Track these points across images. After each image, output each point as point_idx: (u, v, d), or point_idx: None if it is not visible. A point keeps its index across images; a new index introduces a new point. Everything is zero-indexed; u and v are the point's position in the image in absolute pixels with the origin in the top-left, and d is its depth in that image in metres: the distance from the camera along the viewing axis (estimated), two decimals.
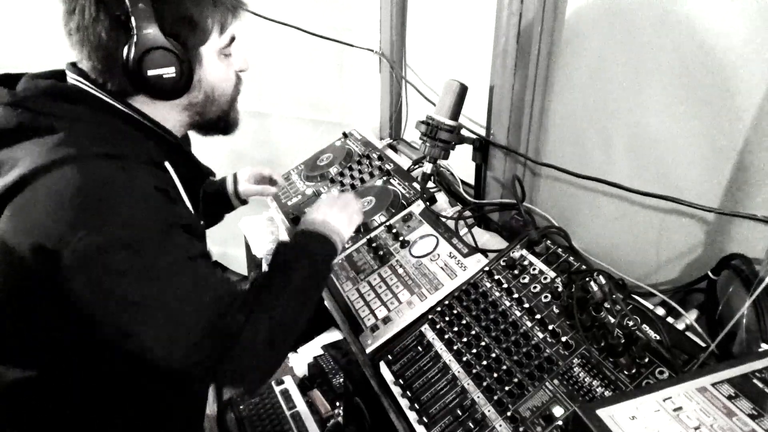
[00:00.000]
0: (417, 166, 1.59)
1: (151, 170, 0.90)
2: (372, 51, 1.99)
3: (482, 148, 1.41)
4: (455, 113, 1.36)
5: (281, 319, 0.90)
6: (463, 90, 1.35)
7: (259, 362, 0.89)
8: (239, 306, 0.87)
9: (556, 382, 0.90)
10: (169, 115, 0.97)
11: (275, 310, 0.90)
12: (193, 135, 1.10)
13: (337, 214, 1.11)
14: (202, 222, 1.09)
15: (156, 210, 0.84)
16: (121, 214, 0.80)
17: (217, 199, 1.42)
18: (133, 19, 0.83)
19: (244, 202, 1.46)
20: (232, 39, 0.97)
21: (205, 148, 1.18)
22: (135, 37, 0.84)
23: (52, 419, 0.95)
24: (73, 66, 0.92)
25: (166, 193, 0.88)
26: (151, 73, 0.86)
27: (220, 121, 1.03)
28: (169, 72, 0.88)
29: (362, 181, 1.55)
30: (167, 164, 0.95)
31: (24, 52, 2.27)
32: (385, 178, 1.50)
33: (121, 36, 0.85)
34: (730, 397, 0.64)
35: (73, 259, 0.77)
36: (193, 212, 1.01)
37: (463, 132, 1.41)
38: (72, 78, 0.91)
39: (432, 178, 1.45)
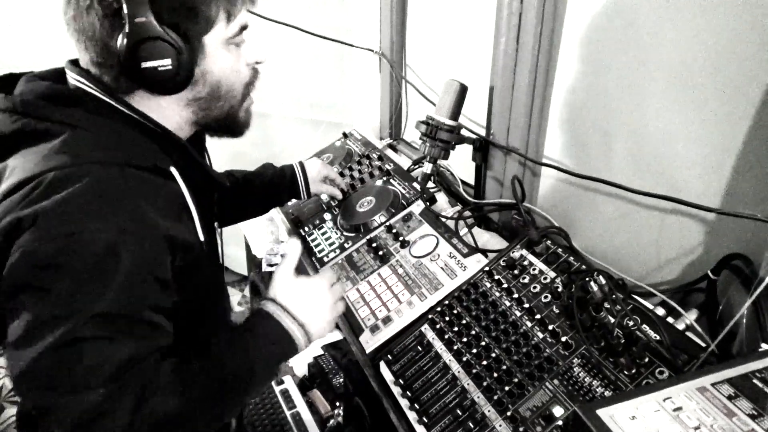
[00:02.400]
0: (417, 166, 1.59)
1: (152, 181, 0.85)
2: (372, 51, 1.99)
3: (482, 148, 1.41)
4: (455, 113, 1.36)
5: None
6: (463, 90, 1.35)
7: None
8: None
9: (556, 382, 0.90)
10: (171, 111, 0.90)
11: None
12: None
13: (312, 303, 0.94)
14: (216, 224, 1.03)
15: (136, 236, 0.76)
16: (100, 225, 0.73)
17: (280, 190, 1.38)
18: (125, 6, 0.77)
19: (310, 197, 1.45)
20: (243, 27, 0.90)
21: None
22: (127, 26, 0.77)
23: None
24: (74, 64, 0.88)
25: (164, 209, 0.82)
26: (145, 65, 0.80)
27: (227, 119, 0.96)
28: (165, 65, 0.81)
29: (362, 181, 1.55)
30: (174, 170, 0.89)
31: (27, 51, 2.28)
32: (385, 178, 1.50)
33: (115, 25, 0.79)
34: (730, 397, 0.64)
35: (26, 247, 0.72)
36: (199, 225, 0.93)
37: (463, 132, 1.41)
38: (72, 77, 0.86)
39: (432, 178, 1.45)
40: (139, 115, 0.87)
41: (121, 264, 0.74)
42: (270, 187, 1.37)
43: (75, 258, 0.72)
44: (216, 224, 1.07)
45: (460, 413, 0.91)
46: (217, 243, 1.07)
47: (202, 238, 0.94)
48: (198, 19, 0.84)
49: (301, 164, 1.42)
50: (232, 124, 0.98)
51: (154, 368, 0.76)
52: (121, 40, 0.79)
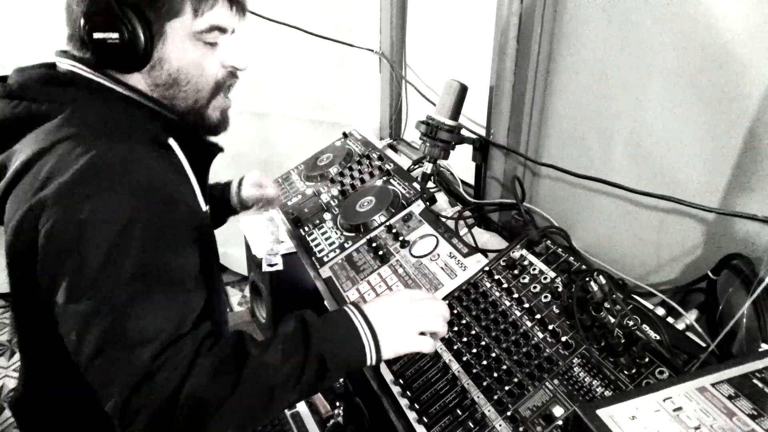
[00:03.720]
0: (417, 166, 1.59)
1: (154, 151, 0.89)
2: (372, 51, 1.99)
3: (482, 148, 1.41)
4: (455, 113, 1.36)
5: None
6: (463, 90, 1.35)
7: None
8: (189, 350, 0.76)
9: (556, 382, 0.90)
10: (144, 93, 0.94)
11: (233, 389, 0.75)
12: None
13: (402, 319, 0.86)
14: (207, 208, 1.05)
15: (150, 198, 0.81)
16: (115, 192, 0.78)
17: (220, 203, 1.40)
18: None
19: (245, 207, 1.44)
20: (217, 28, 0.92)
21: None
22: (87, 1, 0.85)
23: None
24: (64, 52, 0.93)
25: (170, 179, 0.87)
26: (96, 36, 0.85)
27: (191, 114, 0.97)
28: (113, 37, 0.85)
29: (362, 181, 1.55)
30: (172, 142, 0.93)
31: (12, 53, 2.28)
32: (385, 178, 1.50)
33: (85, 2, 0.85)
34: (730, 397, 0.64)
35: (50, 225, 0.77)
36: (199, 193, 0.98)
37: (463, 132, 1.41)
38: (64, 62, 0.91)
39: (432, 178, 1.45)
40: (134, 93, 0.92)
41: (142, 224, 0.78)
42: (214, 189, 1.40)
43: (98, 229, 0.76)
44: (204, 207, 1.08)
45: (460, 413, 0.91)
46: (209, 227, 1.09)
47: (204, 208, 0.99)
48: (159, 4, 0.87)
49: (241, 177, 1.45)
50: (200, 120, 0.99)
51: (209, 343, 0.78)
52: (81, 13, 0.86)
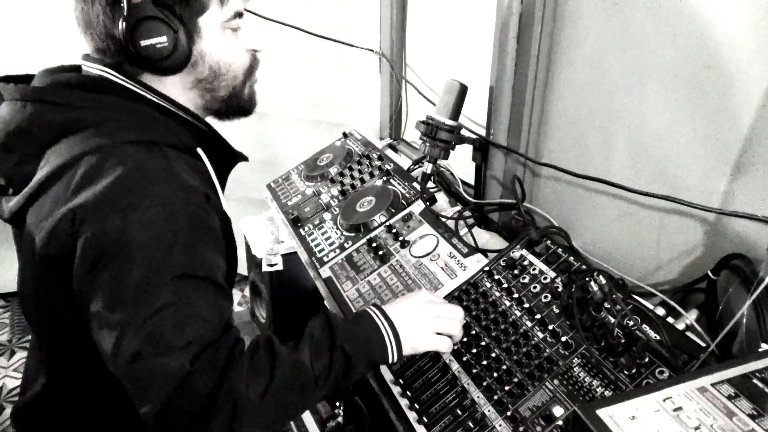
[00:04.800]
0: (417, 166, 1.59)
1: (185, 158, 0.90)
2: (372, 51, 1.99)
3: (482, 148, 1.41)
4: (455, 113, 1.36)
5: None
6: (463, 90, 1.35)
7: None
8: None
9: (556, 382, 0.90)
10: (177, 94, 0.96)
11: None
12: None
13: (420, 319, 0.92)
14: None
15: (187, 203, 0.82)
16: (152, 199, 0.79)
17: None
18: None
19: None
20: (238, 14, 0.96)
21: None
22: (125, 9, 0.84)
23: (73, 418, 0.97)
24: (88, 57, 0.93)
25: (200, 183, 0.88)
26: (144, 43, 0.86)
27: (232, 99, 1.01)
28: (162, 42, 0.87)
29: (362, 181, 1.55)
30: (200, 151, 0.95)
31: (20, 52, 2.28)
32: (385, 178, 1.50)
33: (116, 12, 0.85)
34: (730, 397, 0.64)
35: (90, 234, 0.77)
36: (223, 200, 1.00)
37: (463, 132, 1.41)
38: (94, 68, 0.91)
39: (432, 178, 1.45)
40: (161, 98, 0.93)
41: (179, 229, 0.79)
42: None
43: (138, 241, 0.77)
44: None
45: (460, 413, 0.91)
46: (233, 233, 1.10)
47: (229, 214, 1.01)
48: (190, 2, 0.89)
49: None
50: (239, 103, 1.03)
51: (241, 346, 0.80)
52: (121, 23, 0.86)
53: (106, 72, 0.90)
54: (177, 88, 0.96)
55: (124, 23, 0.85)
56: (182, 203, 0.81)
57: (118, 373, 0.76)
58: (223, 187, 1.03)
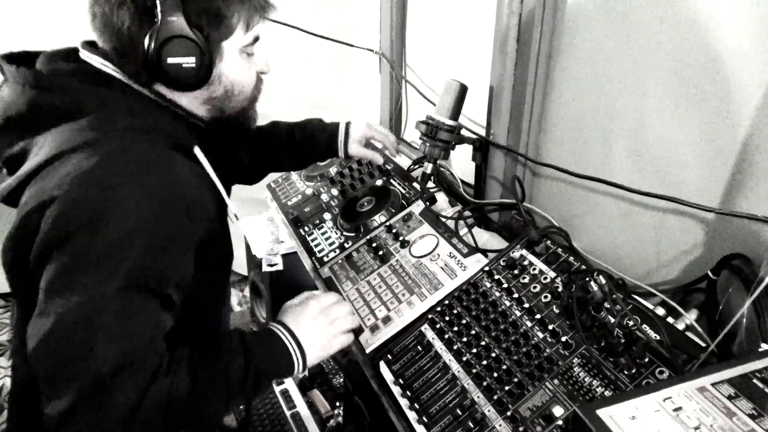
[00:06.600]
0: (417, 166, 1.59)
1: (177, 155, 0.90)
2: (372, 51, 1.99)
3: (482, 148, 1.41)
4: (455, 113, 1.36)
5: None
6: (463, 90, 1.35)
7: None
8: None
9: (556, 381, 0.90)
10: (189, 107, 0.97)
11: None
12: None
13: (320, 332, 1.00)
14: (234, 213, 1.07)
15: (161, 207, 0.81)
16: (129, 191, 0.78)
17: (319, 145, 1.38)
18: (159, 6, 0.83)
19: (349, 158, 1.44)
20: (256, 39, 0.97)
21: None
22: (158, 24, 0.84)
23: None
24: (90, 46, 0.92)
25: (188, 183, 0.87)
26: (171, 61, 0.86)
27: (238, 117, 1.04)
28: (189, 62, 0.88)
29: (362, 181, 1.55)
30: (197, 150, 0.95)
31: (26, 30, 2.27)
32: (385, 178, 1.50)
33: (145, 22, 0.85)
34: (730, 397, 0.64)
35: (54, 210, 0.77)
36: (226, 196, 1.00)
37: (463, 132, 1.41)
38: (95, 60, 0.91)
39: (432, 178, 1.45)
40: (163, 99, 0.93)
41: (144, 234, 0.78)
42: (310, 141, 1.38)
43: (101, 226, 0.76)
44: (233, 215, 1.09)
45: (460, 413, 0.91)
46: (230, 233, 1.10)
47: (233, 211, 1.03)
48: (221, 25, 0.90)
49: (347, 124, 1.39)
50: (243, 121, 1.06)
51: (169, 353, 0.82)
52: (150, 37, 0.85)
53: (106, 66, 0.90)
54: (185, 100, 0.96)
55: (155, 37, 0.84)
56: (159, 200, 0.80)
57: (33, 355, 0.74)
58: (226, 187, 1.03)
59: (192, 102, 0.97)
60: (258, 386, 0.90)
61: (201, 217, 0.89)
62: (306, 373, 1.04)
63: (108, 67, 0.90)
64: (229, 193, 1.09)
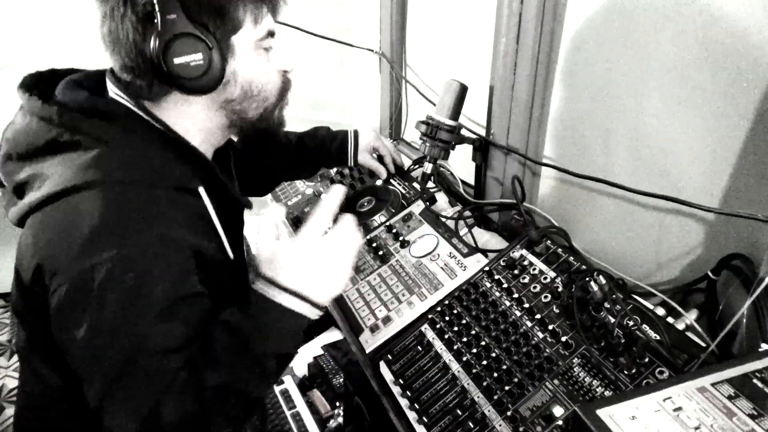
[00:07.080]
0: (417, 166, 1.59)
1: (179, 198, 0.87)
2: (372, 51, 1.99)
3: (482, 148, 1.41)
4: (455, 113, 1.36)
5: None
6: (463, 90, 1.35)
7: None
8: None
9: (556, 382, 0.90)
10: (204, 116, 0.93)
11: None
12: None
13: (320, 268, 0.88)
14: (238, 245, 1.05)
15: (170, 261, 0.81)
16: (124, 256, 0.77)
17: (329, 153, 1.39)
18: (156, 6, 0.80)
19: (357, 166, 1.46)
20: (270, 33, 0.93)
21: None
22: (159, 24, 0.81)
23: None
24: (111, 73, 0.91)
25: (190, 233, 0.85)
26: (177, 61, 0.83)
27: (262, 122, 0.99)
28: (197, 60, 0.84)
29: (362, 181, 1.55)
30: (201, 190, 0.92)
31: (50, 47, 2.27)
32: (384, 178, 1.50)
33: (148, 27, 0.82)
34: (730, 397, 0.64)
35: (61, 287, 0.77)
36: (226, 242, 0.97)
37: (463, 132, 1.41)
38: (111, 89, 0.89)
39: (432, 178, 1.45)
40: (170, 132, 0.90)
41: (155, 293, 0.78)
42: (320, 149, 1.39)
43: (110, 290, 0.76)
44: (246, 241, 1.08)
45: (460, 413, 0.91)
46: (245, 261, 1.08)
47: (231, 255, 0.98)
48: (225, 20, 0.86)
49: (356, 132, 1.43)
50: (267, 125, 1.01)
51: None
52: (154, 40, 0.82)
53: (119, 96, 0.88)
54: (203, 108, 0.93)
55: (157, 40, 0.81)
56: (161, 257, 0.80)
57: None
58: (232, 227, 1.00)
59: (209, 110, 0.93)
60: (285, 363, 0.87)
61: (204, 263, 0.87)
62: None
63: (122, 98, 0.88)
64: (249, 206, 1.07)
